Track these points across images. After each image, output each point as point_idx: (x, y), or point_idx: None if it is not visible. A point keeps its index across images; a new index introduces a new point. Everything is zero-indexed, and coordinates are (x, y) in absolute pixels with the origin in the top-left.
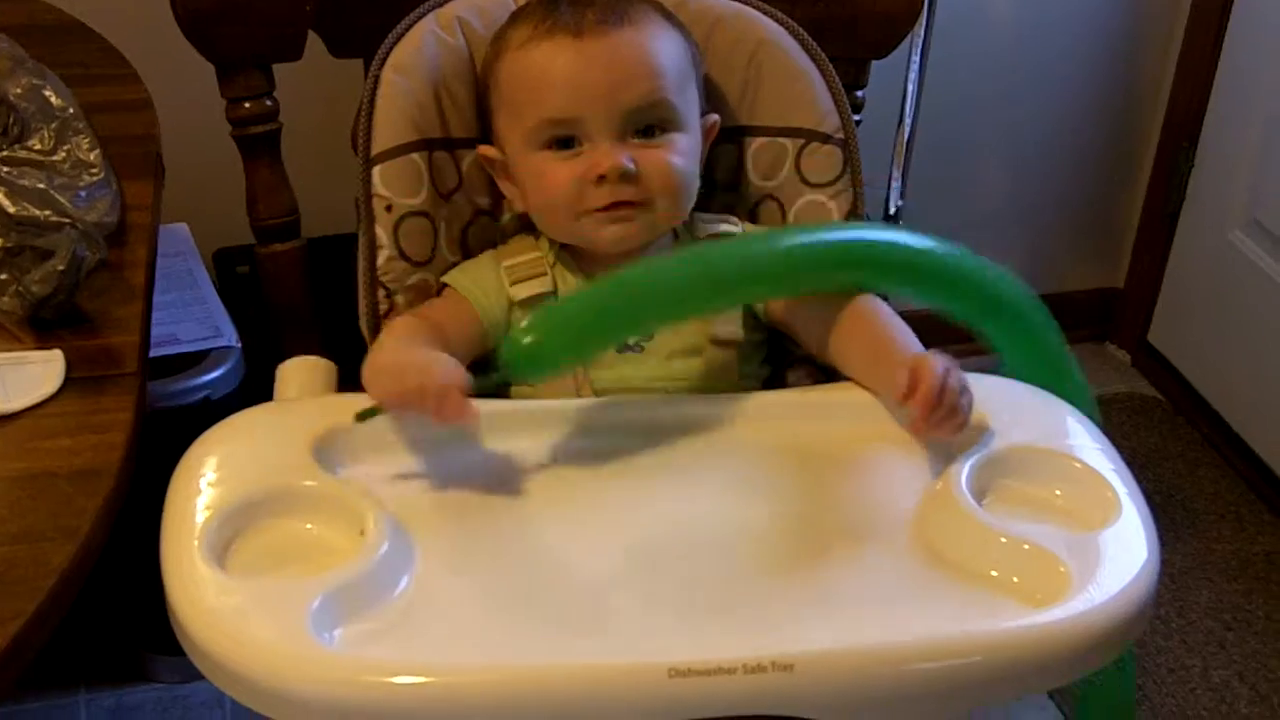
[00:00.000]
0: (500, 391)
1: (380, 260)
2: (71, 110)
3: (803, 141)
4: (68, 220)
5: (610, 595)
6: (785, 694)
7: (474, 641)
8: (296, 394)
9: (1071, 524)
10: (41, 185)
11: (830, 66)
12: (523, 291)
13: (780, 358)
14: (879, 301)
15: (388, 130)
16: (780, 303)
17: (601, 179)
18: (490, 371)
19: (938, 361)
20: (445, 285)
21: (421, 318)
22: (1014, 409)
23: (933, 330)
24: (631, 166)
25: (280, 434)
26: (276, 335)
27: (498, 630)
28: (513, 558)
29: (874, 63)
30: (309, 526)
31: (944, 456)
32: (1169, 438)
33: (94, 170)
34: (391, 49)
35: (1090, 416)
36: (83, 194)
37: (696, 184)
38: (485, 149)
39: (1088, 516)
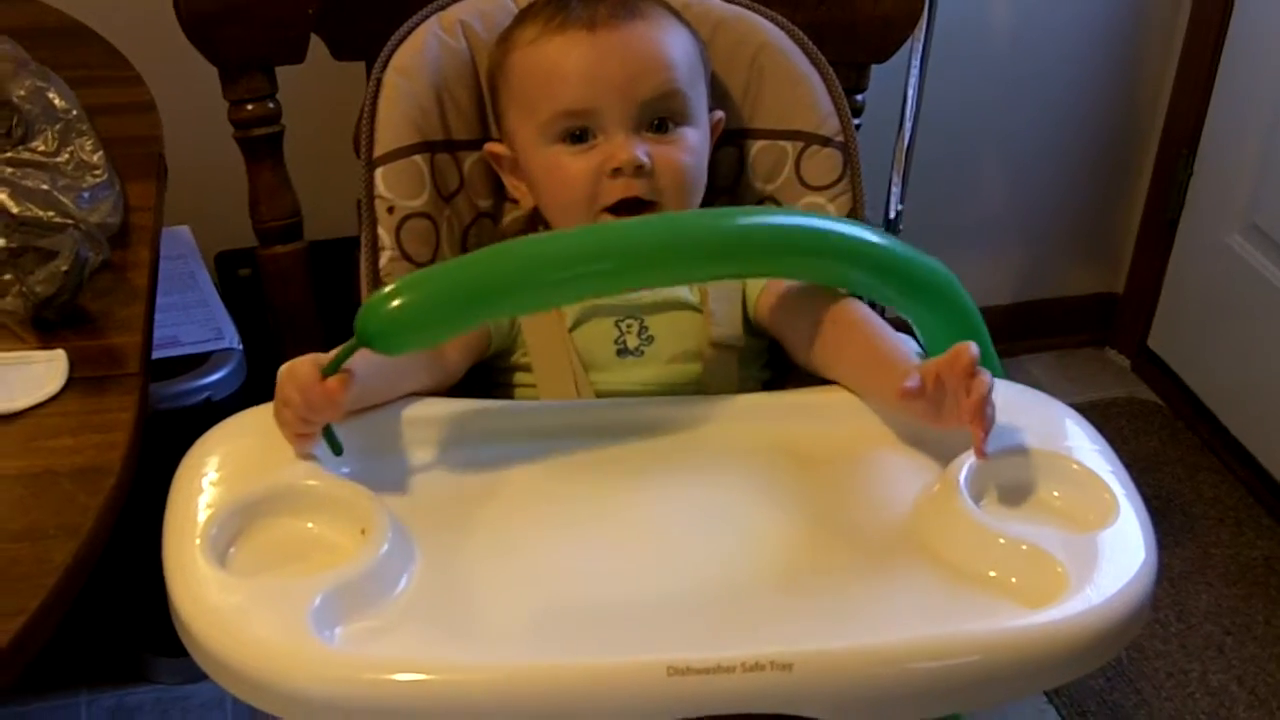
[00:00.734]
0: (503, 391)
1: (382, 261)
2: (75, 112)
3: (803, 144)
4: (71, 221)
5: (609, 594)
6: (784, 693)
7: (474, 640)
8: None
9: (1069, 525)
10: (45, 186)
11: (830, 70)
12: None
13: (783, 362)
14: (864, 306)
15: (390, 132)
16: (766, 307)
17: (617, 172)
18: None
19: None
20: None
21: None
22: (1012, 410)
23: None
24: (646, 161)
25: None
26: (278, 337)
27: (497, 629)
28: (513, 557)
29: (874, 67)
30: (310, 525)
31: (942, 457)
32: (1168, 443)
33: (97, 172)
34: (394, 51)
35: None
36: (86, 195)
37: (704, 182)
38: (493, 146)
39: (1085, 517)
